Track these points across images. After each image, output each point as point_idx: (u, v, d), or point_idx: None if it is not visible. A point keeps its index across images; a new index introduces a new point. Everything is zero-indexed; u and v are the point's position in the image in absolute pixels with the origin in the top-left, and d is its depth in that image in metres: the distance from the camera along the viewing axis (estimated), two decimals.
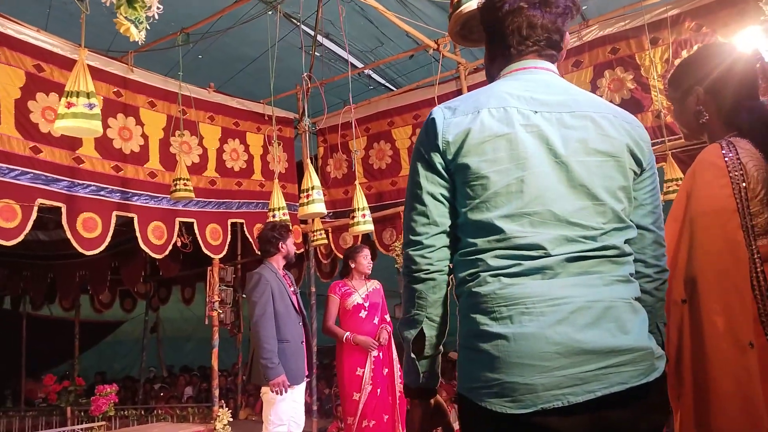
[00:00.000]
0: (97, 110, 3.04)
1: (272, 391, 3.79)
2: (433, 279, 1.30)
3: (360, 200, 4.95)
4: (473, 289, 1.23)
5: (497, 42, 1.41)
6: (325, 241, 6.53)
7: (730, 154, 1.59)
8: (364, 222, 4.93)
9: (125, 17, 1.96)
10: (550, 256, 1.19)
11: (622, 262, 1.26)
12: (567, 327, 1.15)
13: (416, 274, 1.31)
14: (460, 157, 1.25)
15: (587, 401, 1.13)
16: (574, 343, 1.14)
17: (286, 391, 3.84)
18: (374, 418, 4.36)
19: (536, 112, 1.27)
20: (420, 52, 5.76)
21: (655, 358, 1.21)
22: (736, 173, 1.57)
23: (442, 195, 1.30)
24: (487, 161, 1.23)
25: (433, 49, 5.41)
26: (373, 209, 6.00)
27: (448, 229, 1.31)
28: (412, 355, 1.33)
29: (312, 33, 5.24)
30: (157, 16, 2.05)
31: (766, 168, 1.58)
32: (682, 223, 1.60)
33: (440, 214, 1.30)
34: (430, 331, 1.32)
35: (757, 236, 1.56)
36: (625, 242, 1.27)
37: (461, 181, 1.27)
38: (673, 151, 4.48)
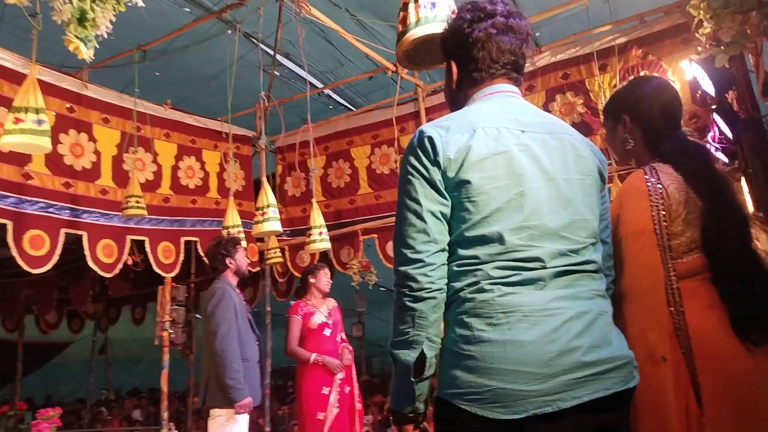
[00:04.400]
0: (47, 126, 2.97)
1: (238, 413, 3.69)
2: (434, 298, 1.28)
3: (317, 218, 4.95)
4: (469, 295, 1.25)
5: (465, 68, 1.47)
6: (281, 260, 6.47)
7: (652, 179, 1.69)
8: (320, 240, 4.92)
9: (75, 35, 1.94)
10: (545, 268, 1.26)
11: (598, 277, 1.35)
12: (561, 335, 1.21)
13: (417, 293, 1.27)
14: (460, 173, 1.28)
15: (573, 407, 1.18)
16: (566, 351, 1.20)
17: (250, 412, 3.76)
18: None
19: (524, 131, 1.34)
20: (379, 74, 5.83)
21: (633, 367, 1.30)
22: (657, 196, 1.66)
23: (441, 213, 1.31)
24: (487, 177, 1.28)
25: (392, 71, 5.48)
26: (331, 227, 6.00)
27: (446, 248, 1.31)
28: (412, 379, 1.28)
29: (272, 53, 5.25)
30: (106, 35, 2.03)
31: (687, 191, 1.68)
32: (614, 246, 1.67)
33: (440, 232, 1.31)
34: (431, 352, 1.28)
35: (677, 255, 1.65)
36: (599, 258, 1.36)
37: (462, 197, 1.29)
38: (620, 172, 4.65)
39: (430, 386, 1.33)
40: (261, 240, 6.49)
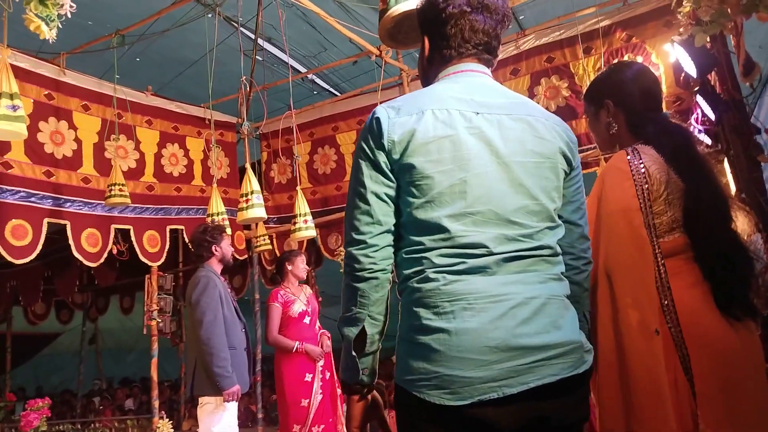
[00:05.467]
0: (22, 112, 2.93)
1: (226, 401, 3.68)
2: (376, 278, 1.30)
3: (302, 206, 4.92)
4: (417, 285, 1.25)
5: (438, 44, 1.44)
6: (269, 247, 6.45)
7: (634, 160, 1.72)
8: (306, 228, 4.90)
9: (35, 14, 1.88)
10: (492, 254, 1.23)
11: (555, 261, 1.32)
12: (507, 322, 1.20)
13: (359, 273, 1.30)
14: (405, 156, 1.27)
15: (521, 392, 1.18)
16: (511, 338, 1.19)
17: (237, 400, 3.76)
18: (323, 422, 4.35)
19: (477, 113, 1.30)
20: (363, 58, 5.77)
21: (584, 351, 1.27)
22: (639, 176, 1.69)
23: (386, 194, 1.31)
24: (431, 161, 1.26)
25: (376, 56, 5.43)
26: (318, 214, 5.98)
27: (391, 228, 1.32)
28: (353, 353, 1.33)
29: (253, 37, 5.19)
30: (69, 15, 1.97)
31: (668, 171, 1.71)
32: (595, 224, 1.71)
33: (384, 213, 1.31)
34: (372, 329, 1.32)
35: (660, 234, 1.69)
36: (557, 242, 1.33)
37: (406, 181, 1.28)
38: (605, 155, 4.64)
39: (375, 362, 1.37)
40: (248, 227, 6.46)
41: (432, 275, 1.23)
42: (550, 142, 1.34)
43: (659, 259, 1.66)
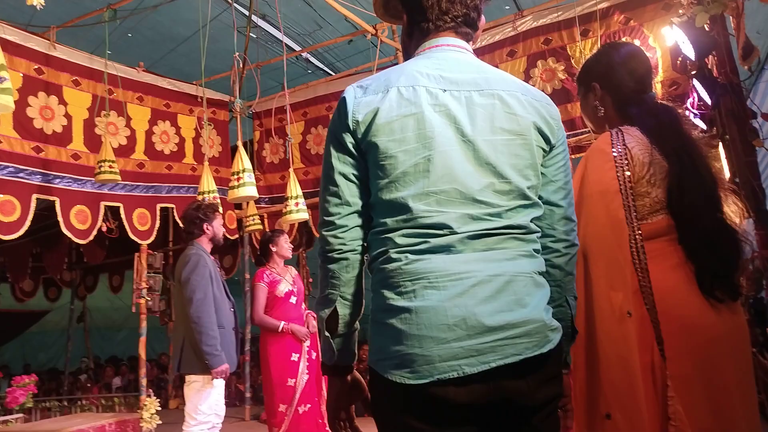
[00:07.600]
0: (8, 84, 2.85)
1: (215, 378, 3.67)
2: (346, 258, 1.29)
3: (294, 188, 4.89)
4: (381, 266, 1.24)
5: (415, 17, 1.40)
6: (260, 227, 6.42)
7: (617, 141, 1.70)
8: (297, 210, 4.87)
9: None
10: (455, 233, 1.21)
11: (528, 239, 1.28)
12: (466, 300, 1.17)
13: (330, 254, 1.30)
14: (369, 136, 1.25)
15: (483, 372, 1.15)
16: (471, 315, 1.16)
17: (226, 378, 3.75)
18: (309, 402, 4.35)
19: (445, 90, 1.27)
20: (359, 37, 5.71)
21: (549, 330, 1.23)
22: (621, 158, 1.68)
23: (354, 175, 1.29)
24: (395, 141, 1.23)
25: (372, 35, 5.37)
26: (310, 195, 5.95)
27: (360, 209, 1.30)
28: (327, 334, 1.32)
29: (247, 13, 5.11)
30: None
31: (651, 152, 1.69)
32: (577, 206, 1.69)
33: (352, 194, 1.29)
34: (343, 310, 1.31)
35: (642, 216, 1.68)
36: (531, 220, 1.29)
37: (371, 161, 1.26)
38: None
39: (352, 343, 1.36)
40: (239, 207, 6.42)
41: (394, 255, 1.22)
42: (523, 118, 1.29)
43: (638, 242, 1.65)
